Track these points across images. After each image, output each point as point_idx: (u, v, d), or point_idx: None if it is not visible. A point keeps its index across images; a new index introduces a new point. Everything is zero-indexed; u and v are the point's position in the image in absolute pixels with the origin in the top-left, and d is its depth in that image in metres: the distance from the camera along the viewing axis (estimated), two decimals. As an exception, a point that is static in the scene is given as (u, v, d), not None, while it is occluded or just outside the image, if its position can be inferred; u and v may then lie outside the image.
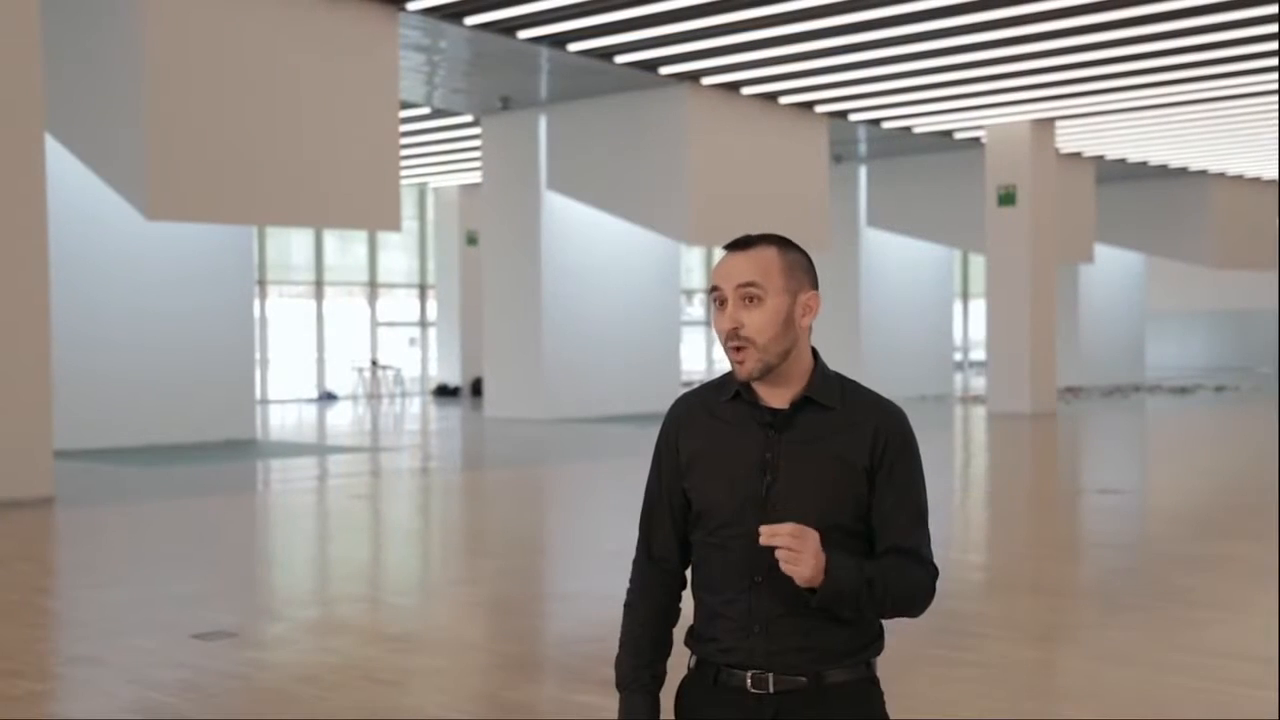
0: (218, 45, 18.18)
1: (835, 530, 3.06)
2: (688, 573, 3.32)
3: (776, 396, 3.16)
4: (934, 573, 3.17)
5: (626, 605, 3.35)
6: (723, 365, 39.46)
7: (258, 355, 27.81)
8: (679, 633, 3.29)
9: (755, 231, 3.21)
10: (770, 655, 3.09)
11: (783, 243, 3.15)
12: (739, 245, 3.13)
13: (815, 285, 3.17)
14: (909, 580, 3.12)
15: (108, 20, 18.05)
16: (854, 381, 3.24)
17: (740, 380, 3.14)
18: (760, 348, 3.08)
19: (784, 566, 2.94)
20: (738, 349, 3.09)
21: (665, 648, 3.32)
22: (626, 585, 3.32)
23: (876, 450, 3.14)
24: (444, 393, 37.49)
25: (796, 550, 2.92)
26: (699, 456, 3.20)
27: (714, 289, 3.13)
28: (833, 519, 3.07)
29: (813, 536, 2.94)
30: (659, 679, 3.29)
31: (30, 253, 15.27)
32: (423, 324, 40.15)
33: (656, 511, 3.30)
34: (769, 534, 2.93)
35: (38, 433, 15.42)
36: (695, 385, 3.42)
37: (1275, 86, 25.21)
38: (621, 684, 3.29)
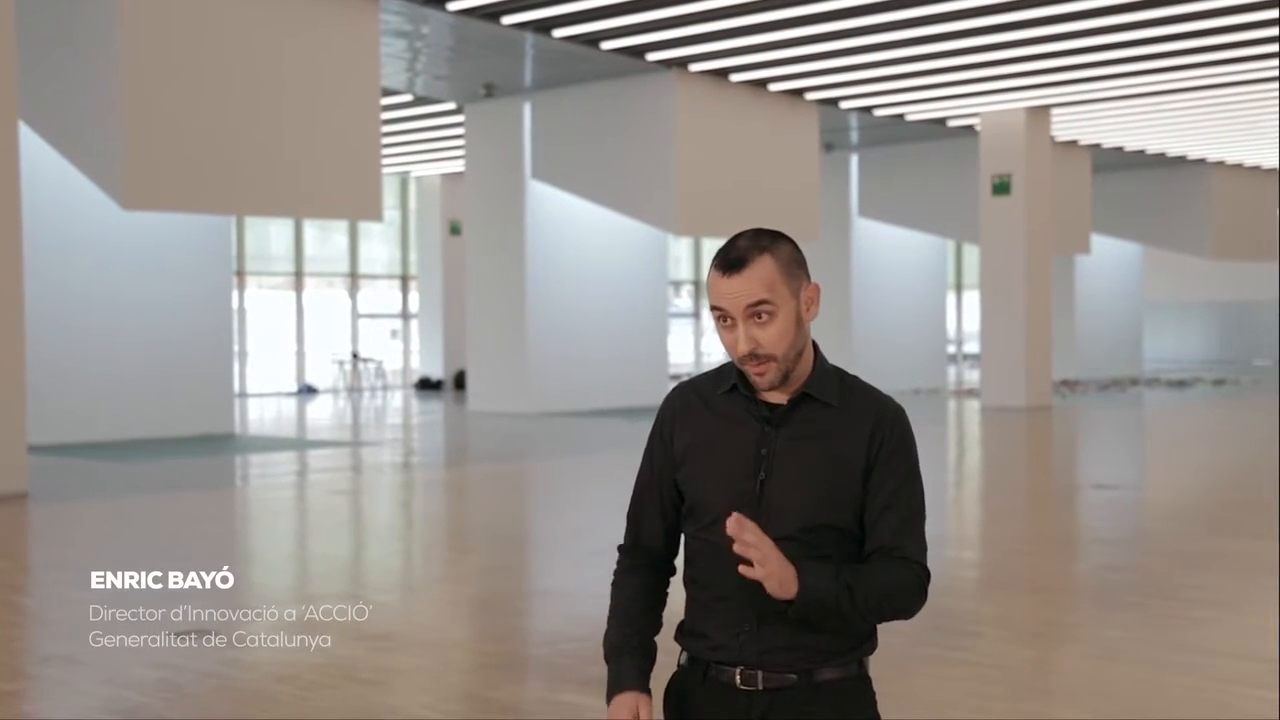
0: (196, 32, 18.15)
1: (828, 530, 3.07)
2: (675, 563, 3.32)
3: (775, 391, 3.16)
4: (923, 574, 3.15)
5: (613, 585, 3.34)
6: (712, 358, 39.45)
7: (236, 348, 27.75)
8: (667, 632, 3.29)
9: (737, 225, 3.19)
10: (760, 653, 3.10)
11: (772, 244, 3.12)
12: (733, 265, 3.08)
13: (809, 275, 3.17)
14: (893, 583, 3.09)
15: (84, 6, 18.01)
16: (854, 377, 3.24)
17: (762, 389, 3.14)
18: (781, 359, 3.08)
19: (746, 571, 2.95)
20: (757, 365, 3.09)
21: (654, 619, 3.31)
22: (612, 580, 3.32)
23: (873, 448, 3.13)
24: (426, 386, 37.45)
25: (756, 556, 2.92)
26: (693, 449, 3.20)
27: (718, 309, 3.10)
28: (826, 518, 3.07)
29: (768, 543, 2.94)
30: (648, 648, 3.27)
31: (4, 243, 15.22)
32: (404, 316, 40.11)
33: (646, 501, 3.31)
34: (735, 528, 2.94)
35: (11, 427, 15.39)
36: (687, 377, 3.43)
37: (1276, 73, 25.23)
38: (609, 652, 3.27)
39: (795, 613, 3.00)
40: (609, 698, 3.22)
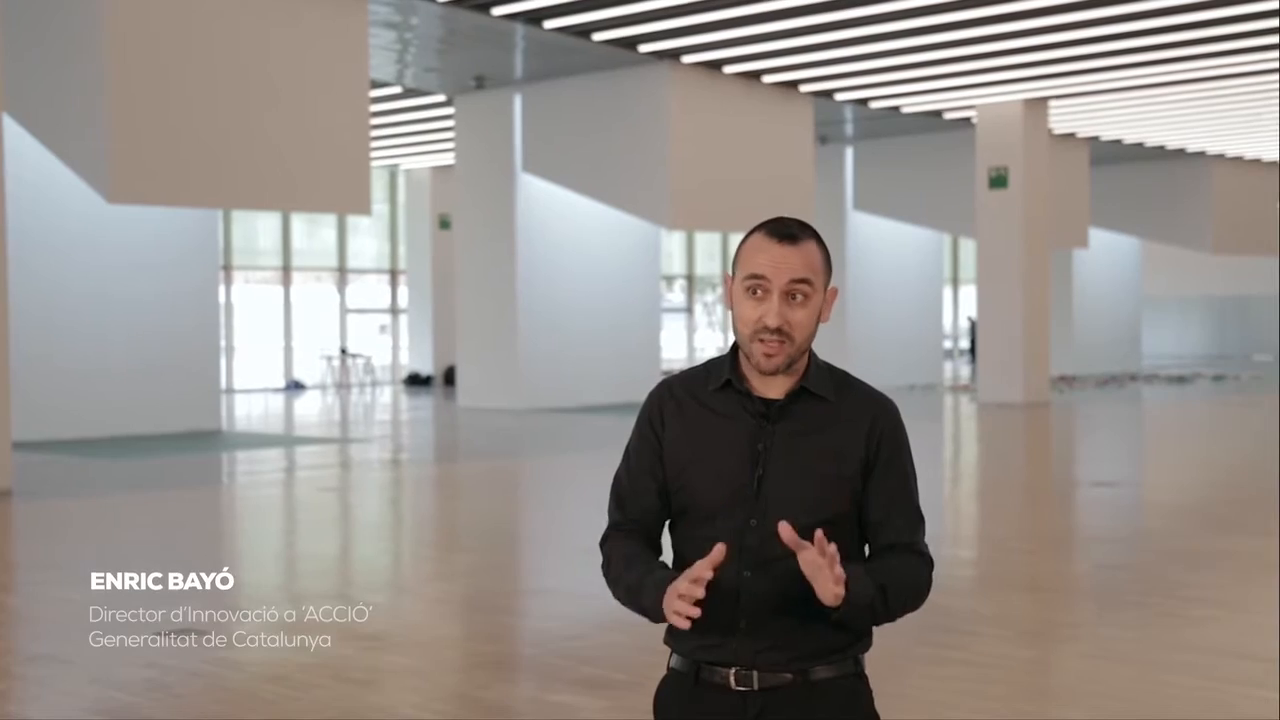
0: (182, 23, 18.12)
1: (827, 525, 3.07)
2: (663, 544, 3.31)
3: (770, 386, 3.17)
4: (931, 564, 3.23)
5: (611, 547, 3.30)
6: (704, 353, 39.44)
7: (223, 343, 27.73)
8: (656, 633, 3.28)
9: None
10: (755, 652, 3.10)
11: (817, 237, 3.16)
12: (788, 236, 3.11)
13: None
14: (914, 578, 3.17)
15: (67, -4, 18.01)
16: (845, 372, 3.26)
17: (763, 371, 3.13)
18: (797, 345, 3.10)
19: (819, 577, 2.95)
20: (771, 344, 3.09)
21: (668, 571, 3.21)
22: (604, 580, 3.31)
23: (872, 445, 3.16)
24: (416, 382, 37.43)
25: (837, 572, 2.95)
26: (685, 446, 3.19)
27: (758, 277, 3.09)
28: (823, 513, 3.08)
29: (834, 553, 2.95)
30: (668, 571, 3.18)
31: (-14, 237, 15.22)
32: (393, 311, 40.06)
33: (639, 491, 3.28)
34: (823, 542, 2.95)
35: (-6, 424, 15.38)
36: (675, 372, 3.41)
37: (1276, 65, 25.24)
38: (637, 586, 3.17)
39: (837, 618, 3.04)
40: (656, 604, 3.09)
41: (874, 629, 3.24)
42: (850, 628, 3.10)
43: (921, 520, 3.23)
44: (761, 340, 3.09)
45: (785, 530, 2.94)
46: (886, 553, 3.17)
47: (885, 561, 3.14)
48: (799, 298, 3.08)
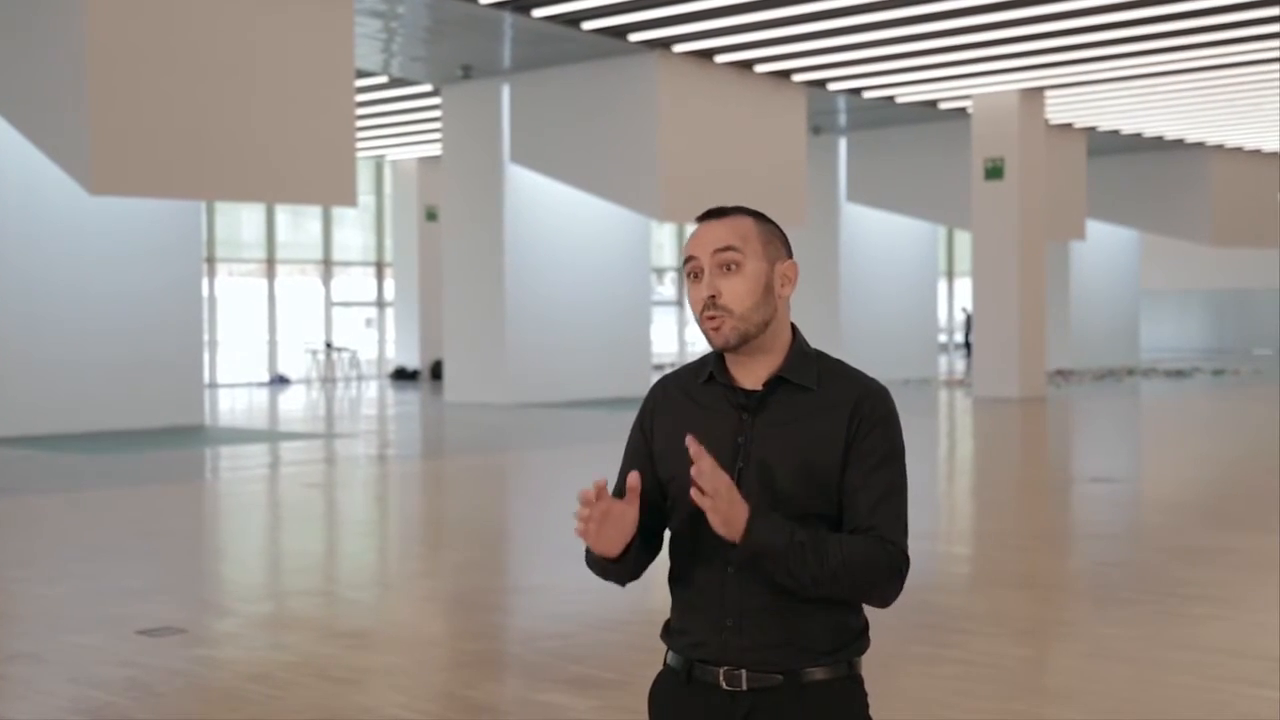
0: (164, 12, 18.08)
1: (813, 519, 3.04)
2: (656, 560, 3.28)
3: (751, 377, 3.15)
4: (897, 554, 3.06)
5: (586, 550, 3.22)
6: (696, 348, 39.45)
7: (206, 337, 27.67)
8: (654, 630, 3.27)
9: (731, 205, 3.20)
10: (744, 651, 3.07)
11: (757, 214, 3.17)
12: (713, 214, 3.16)
13: (791, 256, 3.18)
14: (860, 555, 3.01)
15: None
16: (835, 359, 3.21)
17: (715, 348, 3.14)
18: (738, 317, 3.07)
19: (695, 498, 2.91)
20: (713, 318, 3.08)
21: (646, 553, 3.22)
22: (596, 577, 3.27)
23: (852, 428, 3.10)
24: (402, 376, 37.43)
25: (706, 485, 2.89)
26: (672, 440, 3.16)
27: (689, 259, 3.12)
28: (808, 505, 3.04)
29: (723, 477, 2.91)
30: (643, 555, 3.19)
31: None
32: (380, 304, 40.05)
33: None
34: (694, 451, 2.91)
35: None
36: (670, 367, 3.40)
37: (1277, 54, 25.26)
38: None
39: (739, 557, 2.98)
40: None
41: (869, 629, 3.19)
42: (775, 579, 2.99)
43: (896, 506, 3.09)
44: (706, 317, 3.10)
45: (691, 441, 2.92)
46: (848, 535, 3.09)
47: (828, 532, 3.07)
48: (731, 267, 3.08)
